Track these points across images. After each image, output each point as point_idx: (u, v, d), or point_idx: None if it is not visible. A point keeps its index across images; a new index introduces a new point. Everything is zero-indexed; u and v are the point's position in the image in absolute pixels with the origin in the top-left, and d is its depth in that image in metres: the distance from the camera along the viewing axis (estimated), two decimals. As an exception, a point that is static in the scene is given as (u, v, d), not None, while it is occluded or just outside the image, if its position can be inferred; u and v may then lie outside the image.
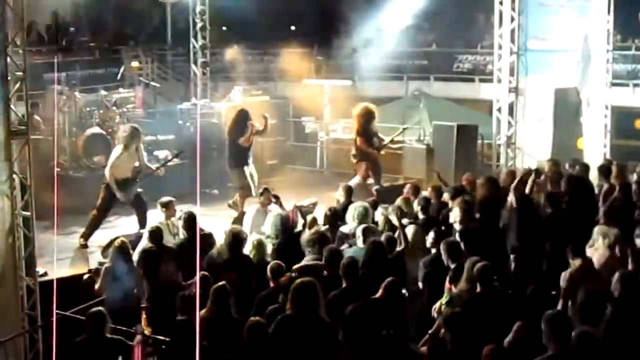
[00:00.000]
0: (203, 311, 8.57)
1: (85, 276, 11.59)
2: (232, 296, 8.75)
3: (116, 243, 10.98)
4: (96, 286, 10.74)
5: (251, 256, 10.49)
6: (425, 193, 12.92)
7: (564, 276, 9.06)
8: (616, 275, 8.24)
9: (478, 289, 8.63)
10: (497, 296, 8.62)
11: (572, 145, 18.21)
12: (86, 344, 8.61)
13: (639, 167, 14.45)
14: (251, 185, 14.97)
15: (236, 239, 10.48)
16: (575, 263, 9.18)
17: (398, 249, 10.36)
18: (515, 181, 11.52)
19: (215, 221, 13.82)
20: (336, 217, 11.80)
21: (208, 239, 10.97)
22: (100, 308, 8.91)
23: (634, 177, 13.55)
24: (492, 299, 8.52)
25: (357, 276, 9.05)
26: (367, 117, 15.90)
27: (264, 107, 17.91)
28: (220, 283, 8.79)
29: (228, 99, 19.82)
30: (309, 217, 11.97)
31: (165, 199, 12.47)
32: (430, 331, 8.58)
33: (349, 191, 12.88)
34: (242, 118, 15.29)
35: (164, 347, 8.82)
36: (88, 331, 8.67)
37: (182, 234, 11.84)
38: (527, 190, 11.58)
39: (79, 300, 10.51)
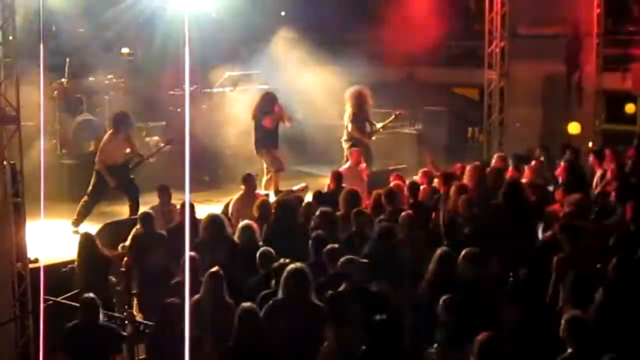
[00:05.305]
0: (196, 296, 8.55)
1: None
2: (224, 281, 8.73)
3: (81, 237, 11.03)
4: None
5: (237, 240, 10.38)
6: (415, 178, 12.95)
7: (555, 261, 9.07)
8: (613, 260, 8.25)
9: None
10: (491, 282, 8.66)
11: (562, 130, 18.24)
12: (79, 329, 8.61)
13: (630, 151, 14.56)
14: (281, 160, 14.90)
15: (215, 223, 10.40)
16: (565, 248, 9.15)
17: None
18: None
19: (206, 208, 13.79)
20: (322, 201, 11.81)
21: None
22: (92, 295, 8.88)
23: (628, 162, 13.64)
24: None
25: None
26: (359, 101, 15.90)
27: (254, 93, 17.83)
28: (214, 268, 8.77)
29: (219, 85, 19.73)
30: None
31: (161, 184, 12.49)
32: None
33: (338, 177, 12.88)
34: (266, 100, 15.02)
35: (153, 332, 8.80)
36: (81, 317, 8.67)
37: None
38: None
39: (69, 287, 10.54)
